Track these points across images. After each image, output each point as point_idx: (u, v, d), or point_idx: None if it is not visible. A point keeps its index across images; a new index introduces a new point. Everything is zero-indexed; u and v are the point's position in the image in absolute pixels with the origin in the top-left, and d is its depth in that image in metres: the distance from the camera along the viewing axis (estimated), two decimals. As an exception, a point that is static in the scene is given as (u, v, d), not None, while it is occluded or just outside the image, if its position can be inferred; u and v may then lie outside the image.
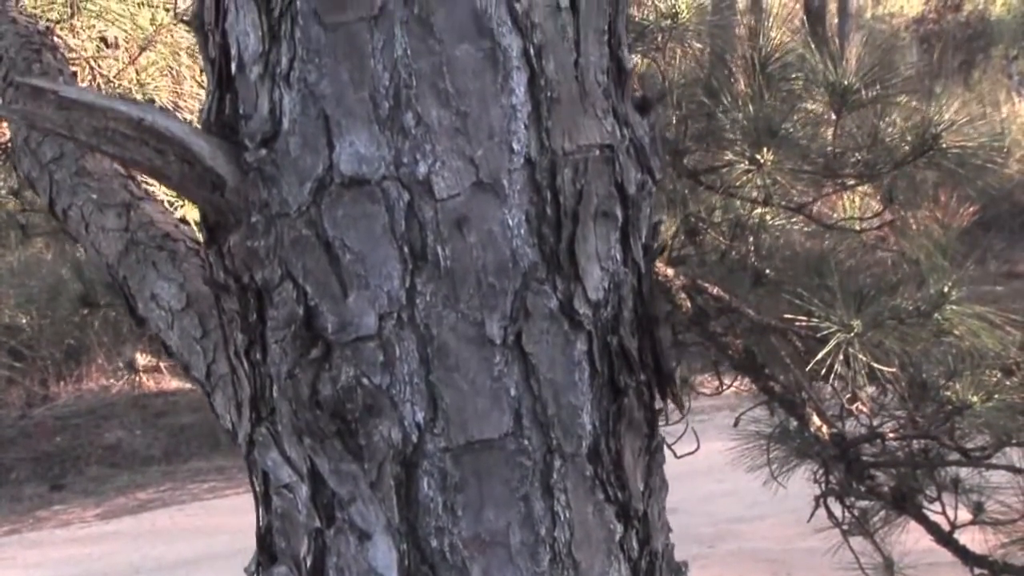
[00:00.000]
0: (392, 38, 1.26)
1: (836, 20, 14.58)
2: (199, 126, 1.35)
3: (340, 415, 1.28)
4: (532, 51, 1.28)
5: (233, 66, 1.32)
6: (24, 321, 9.47)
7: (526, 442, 1.28)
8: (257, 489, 1.38)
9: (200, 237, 1.59)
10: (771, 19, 3.43)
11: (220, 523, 7.65)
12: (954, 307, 3.23)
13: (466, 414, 1.28)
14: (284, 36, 1.28)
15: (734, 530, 7.17)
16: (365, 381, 1.28)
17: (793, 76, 3.16)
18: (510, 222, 1.28)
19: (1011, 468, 3.35)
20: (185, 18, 1.89)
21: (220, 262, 1.33)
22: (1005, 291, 10.45)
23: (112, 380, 9.75)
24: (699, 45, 3.17)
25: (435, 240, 1.27)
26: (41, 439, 9.47)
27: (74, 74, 2.01)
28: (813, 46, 3.08)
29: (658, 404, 1.38)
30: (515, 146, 1.28)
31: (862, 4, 15.75)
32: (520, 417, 1.28)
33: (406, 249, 1.27)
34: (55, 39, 2.09)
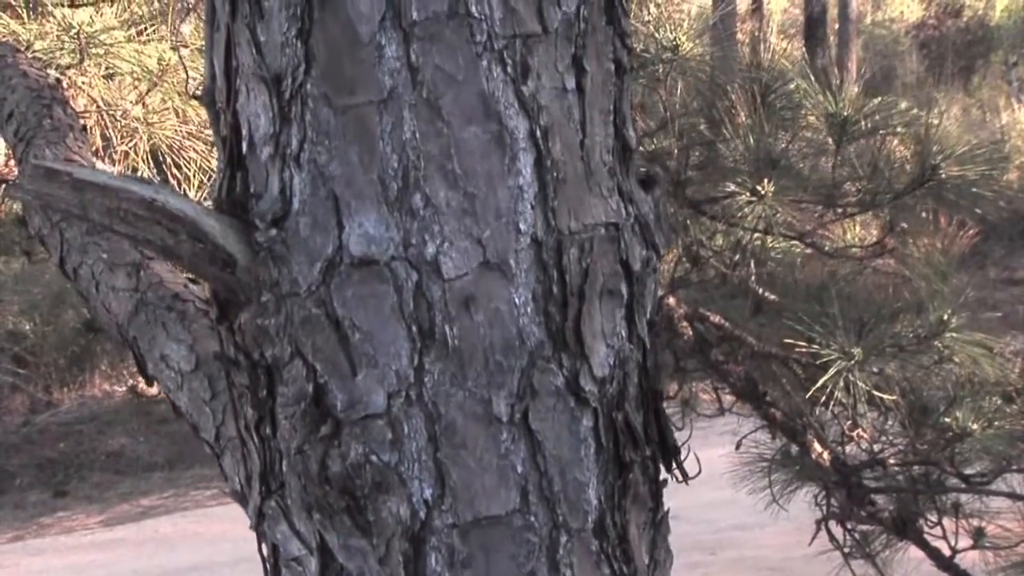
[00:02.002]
0: (401, 121, 1.27)
1: (837, 25, 14.59)
2: (210, 202, 1.37)
3: (349, 491, 1.30)
4: (539, 133, 1.30)
5: (244, 145, 1.34)
6: (27, 327, 9.48)
7: (532, 518, 1.30)
8: (266, 561, 1.40)
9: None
10: (771, 51, 3.45)
11: (223, 530, 7.68)
12: (954, 334, 3.26)
13: (473, 491, 1.29)
14: (294, 118, 1.30)
15: (735, 537, 7.20)
16: (374, 458, 1.30)
17: (793, 105, 3.18)
18: (517, 301, 1.30)
19: (1011, 495, 3.37)
20: (197, 93, 1.89)
21: (231, 338, 1.35)
22: (1004, 297, 10.48)
23: (115, 387, 9.78)
24: (700, 76, 3.19)
25: (443, 319, 1.29)
26: (44, 446, 9.50)
27: (84, 128, 2.03)
28: (813, 77, 3.10)
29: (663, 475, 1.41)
30: (522, 226, 1.30)
31: (862, 10, 15.73)
32: (527, 493, 1.30)
33: (414, 328, 1.29)
34: (64, 92, 2.11)
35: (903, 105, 3.06)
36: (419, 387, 1.29)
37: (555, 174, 1.31)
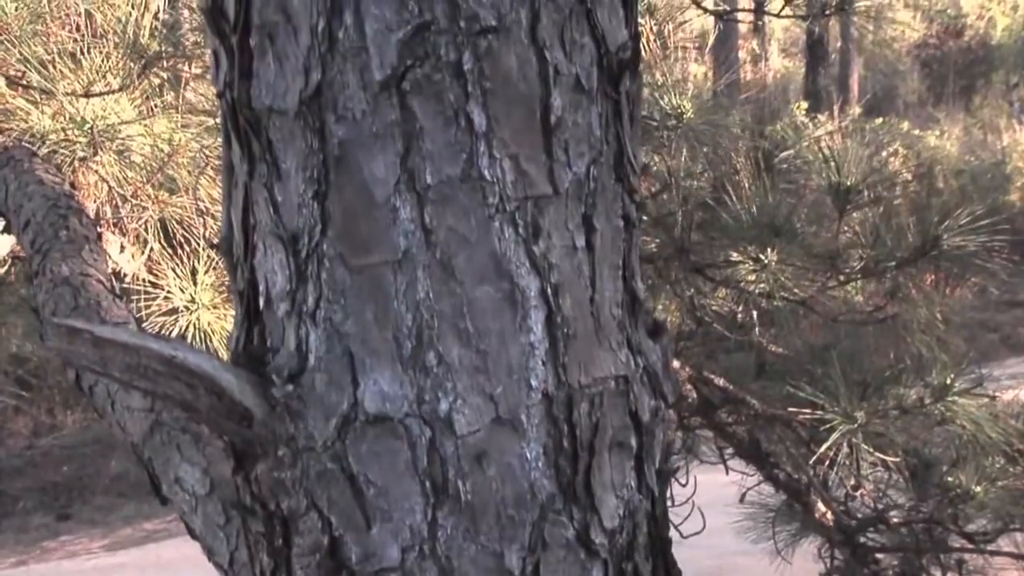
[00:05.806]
0: (415, 281, 1.30)
1: (839, 43, 14.55)
2: (227, 354, 1.39)
3: (364, 642, 1.32)
4: (549, 290, 1.32)
5: (261, 301, 1.36)
6: (31, 350, 9.49)
7: (544, 669, 1.33)
8: None
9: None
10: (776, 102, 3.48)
11: (226, 556, 7.67)
12: (956, 398, 3.28)
13: (486, 644, 1.32)
14: (311, 276, 1.32)
15: (737, 563, 7.21)
16: (389, 610, 1.32)
17: (796, 171, 3.21)
18: (528, 455, 1.32)
19: (1014, 555, 3.40)
20: (214, 242, 1.92)
21: (247, 488, 1.37)
22: (1006, 319, 10.49)
23: (118, 410, 9.76)
24: (704, 141, 3.21)
25: (456, 475, 1.31)
26: (48, 469, 9.51)
27: (99, 236, 2.06)
28: (816, 145, 3.12)
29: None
30: (533, 382, 1.32)
31: (863, 29, 15.60)
32: (538, 645, 1.32)
33: (428, 484, 1.31)
34: (80, 203, 2.13)
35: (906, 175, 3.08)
36: (432, 541, 1.31)
37: (565, 330, 1.33)
